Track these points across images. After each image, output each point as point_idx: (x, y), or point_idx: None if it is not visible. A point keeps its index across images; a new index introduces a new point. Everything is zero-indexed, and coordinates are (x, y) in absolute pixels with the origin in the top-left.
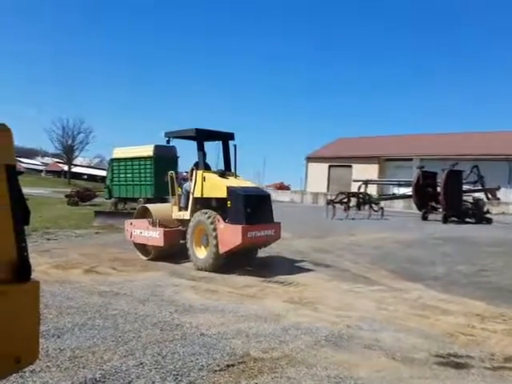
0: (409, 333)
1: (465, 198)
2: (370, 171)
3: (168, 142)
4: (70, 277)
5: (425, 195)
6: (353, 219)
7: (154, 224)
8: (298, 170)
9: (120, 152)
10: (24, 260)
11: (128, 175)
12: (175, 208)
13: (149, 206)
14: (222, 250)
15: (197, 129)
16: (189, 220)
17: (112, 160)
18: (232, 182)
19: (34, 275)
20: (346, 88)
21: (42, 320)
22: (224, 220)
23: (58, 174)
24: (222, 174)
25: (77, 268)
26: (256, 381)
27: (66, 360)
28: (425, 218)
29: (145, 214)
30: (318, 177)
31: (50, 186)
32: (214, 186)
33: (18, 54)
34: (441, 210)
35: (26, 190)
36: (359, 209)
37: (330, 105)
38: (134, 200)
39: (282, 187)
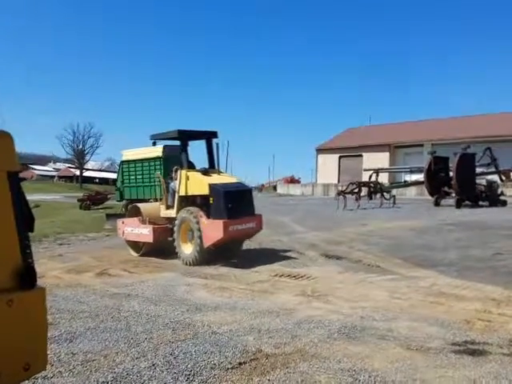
0: (423, 321)
1: (478, 181)
2: (381, 160)
3: (154, 144)
4: (82, 280)
5: (437, 181)
6: (364, 209)
7: (144, 222)
8: (309, 162)
9: (129, 154)
10: (29, 267)
11: (138, 177)
12: (163, 206)
13: (139, 204)
14: (206, 244)
15: (179, 130)
16: (175, 218)
17: (121, 162)
18: (214, 179)
19: (46, 280)
20: (353, 77)
21: (54, 325)
22: (208, 216)
23: (71, 178)
24: (205, 172)
25: (89, 271)
26: (268, 377)
27: (79, 364)
28: (437, 203)
29: (136, 213)
30: (328, 168)
31: (62, 191)
32: (197, 184)
33: (28, 60)
34: (454, 194)
35: (38, 197)
36: (370, 198)
37: (338, 95)
38: (145, 201)
39: (292, 180)
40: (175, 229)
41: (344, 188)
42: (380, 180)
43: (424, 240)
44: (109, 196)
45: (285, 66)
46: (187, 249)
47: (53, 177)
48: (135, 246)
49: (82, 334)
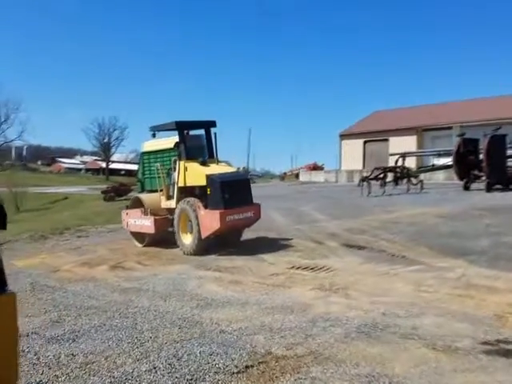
0: (451, 317)
1: (510, 163)
2: (408, 144)
3: (154, 135)
4: (96, 274)
5: (466, 164)
6: (390, 195)
7: (145, 213)
8: (333, 149)
9: (149, 145)
10: None
11: None
12: (163, 197)
13: (141, 195)
14: (204, 234)
15: (176, 122)
16: (175, 208)
17: (142, 154)
18: (212, 169)
19: (60, 275)
20: (378, 60)
21: (59, 323)
22: (205, 207)
23: (97, 171)
24: (204, 163)
25: (103, 264)
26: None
27: (77, 367)
28: (467, 187)
29: (139, 203)
30: (352, 154)
31: (89, 183)
32: (195, 175)
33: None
34: (484, 178)
35: (67, 189)
36: (397, 184)
37: (362, 79)
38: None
39: (315, 167)
40: (175, 219)
41: (368, 174)
42: (407, 165)
43: (452, 227)
44: (132, 187)
45: (309, 50)
46: (187, 239)
47: (80, 170)
48: (140, 236)
49: (86, 332)
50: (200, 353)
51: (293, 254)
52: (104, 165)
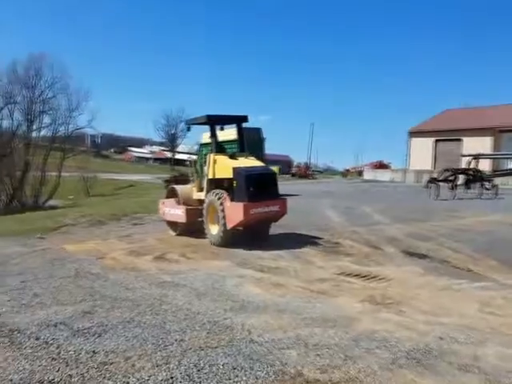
0: None
1: None
2: (483, 145)
3: (188, 129)
4: (139, 264)
5: None
6: (460, 199)
7: (179, 203)
8: (400, 146)
9: (208, 136)
10: None
11: None
12: (195, 189)
13: (176, 186)
14: (229, 225)
15: (208, 115)
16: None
17: (201, 145)
18: (240, 162)
19: (105, 262)
20: (450, 54)
21: (91, 314)
22: (232, 199)
23: (164, 161)
24: (233, 156)
25: (148, 254)
26: None
27: (94, 367)
28: None
29: (174, 194)
30: (422, 153)
31: (155, 172)
32: (223, 168)
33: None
34: None
35: (135, 177)
36: (468, 187)
37: (433, 74)
38: None
39: (380, 165)
40: (204, 210)
41: (437, 175)
42: (480, 167)
43: None
44: (191, 178)
45: (375, 45)
46: (214, 230)
47: (148, 159)
48: (174, 225)
49: (114, 327)
50: (223, 365)
51: (344, 259)
52: (170, 155)
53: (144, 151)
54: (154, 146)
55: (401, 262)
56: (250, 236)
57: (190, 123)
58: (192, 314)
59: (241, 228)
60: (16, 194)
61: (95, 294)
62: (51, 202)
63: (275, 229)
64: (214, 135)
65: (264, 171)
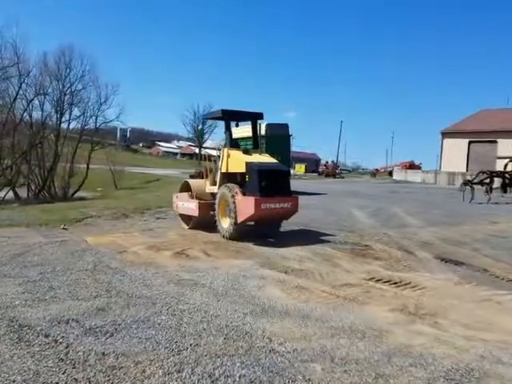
0: None
1: None
2: None
3: (203, 123)
4: (159, 259)
5: None
6: (496, 203)
7: (192, 196)
8: (432, 147)
9: (235, 132)
10: None
11: None
12: (208, 183)
13: (189, 180)
14: (240, 219)
15: (223, 110)
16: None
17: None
18: (254, 158)
19: (125, 257)
20: (486, 53)
21: (105, 311)
22: (244, 193)
23: (191, 156)
24: (246, 151)
25: (168, 250)
26: None
27: (102, 371)
28: None
29: (188, 188)
30: (455, 154)
31: (182, 166)
32: (236, 162)
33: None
34: None
35: (162, 171)
36: (505, 191)
37: (468, 73)
38: None
39: (411, 166)
40: (216, 203)
41: (472, 177)
42: None
43: None
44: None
45: (407, 40)
46: (225, 223)
47: (176, 154)
48: (187, 219)
49: (127, 326)
50: (240, 377)
51: (373, 263)
52: (197, 150)
53: (172, 146)
54: (181, 142)
55: (435, 269)
56: (261, 232)
57: (206, 118)
58: (209, 317)
59: (252, 223)
60: (45, 185)
61: (111, 290)
62: (80, 194)
63: (300, 228)
64: (228, 129)
65: (277, 168)
